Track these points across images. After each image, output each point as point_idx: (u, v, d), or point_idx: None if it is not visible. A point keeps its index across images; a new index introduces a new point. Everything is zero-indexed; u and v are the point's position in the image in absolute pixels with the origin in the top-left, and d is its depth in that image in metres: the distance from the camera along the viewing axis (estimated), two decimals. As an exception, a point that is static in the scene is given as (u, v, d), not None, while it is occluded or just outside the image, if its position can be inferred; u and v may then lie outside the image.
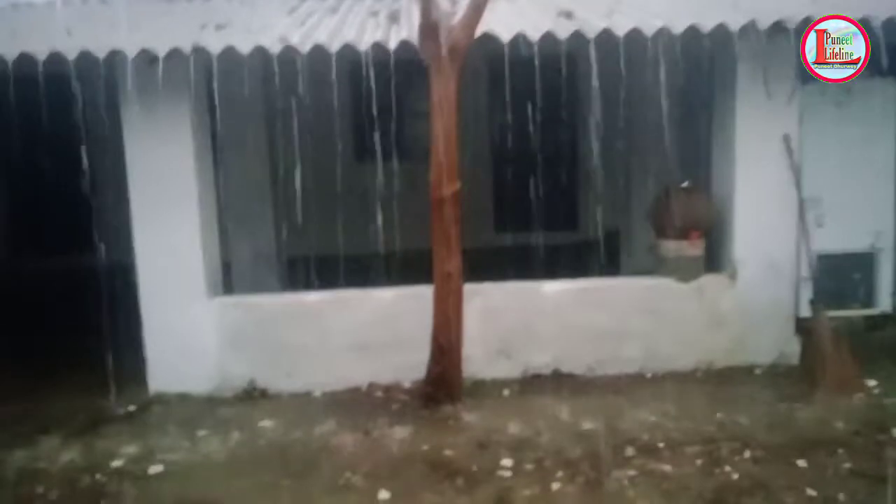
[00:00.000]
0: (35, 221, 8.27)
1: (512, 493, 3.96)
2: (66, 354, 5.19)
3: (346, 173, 7.50)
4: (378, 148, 8.40)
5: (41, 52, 4.80)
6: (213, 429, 4.85)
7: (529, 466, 4.24)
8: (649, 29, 5.03)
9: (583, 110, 8.48)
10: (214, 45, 4.95)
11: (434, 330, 5.02)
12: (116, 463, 4.42)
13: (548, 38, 5.04)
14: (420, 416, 4.93)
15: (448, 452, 4.43)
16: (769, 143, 5.56)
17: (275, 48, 4.95)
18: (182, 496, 4.06)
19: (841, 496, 3.80)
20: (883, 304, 5.95)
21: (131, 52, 4.83)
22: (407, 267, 5.37)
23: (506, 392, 5.33)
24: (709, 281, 5.67)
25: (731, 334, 5.57)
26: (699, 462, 4.21)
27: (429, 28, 4.71)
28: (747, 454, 4.28)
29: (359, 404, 5.20)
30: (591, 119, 7.13)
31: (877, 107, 5.81)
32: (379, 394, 5.35)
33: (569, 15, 5.50)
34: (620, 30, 5.03)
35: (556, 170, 8.14)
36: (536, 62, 5.13)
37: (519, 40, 5.03)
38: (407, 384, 5.37)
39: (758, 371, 5.51)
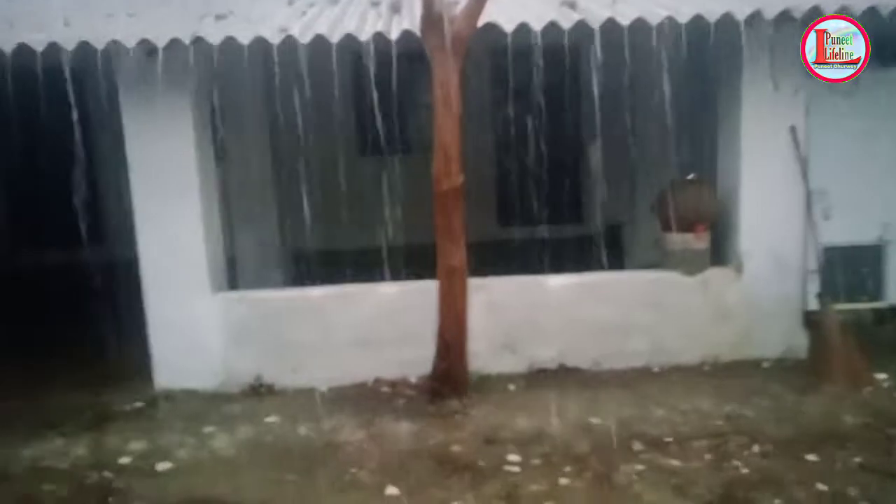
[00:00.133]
0: (37, 216, 8.23)
1: (519, 488, 3.94)
2: (72, 351, 5.19)
3: (349, 166, 7.46)
4: (382, 140, 8.38)
5: (39, 43, 4.75)
6: (220, 425, 4.84)
7: (537, 461, 4.23)
8: (654, 18, 4.99)
9: (587, 102, 8.45)
10: (214, 35, 4.91)
11: (439, 325, 4.99)
12: (124, 460, 4.42)
13: (551, 28, 5.00)
14: (426, 412, 4.92)
15: (455, 448, 4.42)
16: (775, 135, 5.52)
17: (275, 39, 4.91)
18: (190, 492, 4.05)
19: (852, 491, 3.78)
20: (891, 297, 5.93)
21: (130, 42, 4.79)
22: (412, 261, 5.34)
23: (512, 387, 5.32)
24: (715, 274, 5.65)
25: (738, 328, 5.55)
26: (707, 456, 4.20)
27: (431, 18, 4.66)
28: (756, 448, 4.26)
29: (365, 400, 5.18)
30: (595, 111, 7.10)
31: (885, 98, 5.76)
32: (385, 389, 5.34)
33: (572, 5, 5.46)
34: (625, 19, 4.99)
35: (561, 162, 8.09)
36: (540, 52, 5.10)
37: (522, 30, 4.99)
38: (413, 379, 5.35)
39: (765, 364, 5.49)
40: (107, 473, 4.26)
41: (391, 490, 3.97)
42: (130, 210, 5.35)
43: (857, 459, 4.09)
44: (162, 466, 4.33)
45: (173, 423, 4.91)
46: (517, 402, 5.05)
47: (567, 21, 5.03)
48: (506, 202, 8.87)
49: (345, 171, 7.43)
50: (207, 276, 5.42)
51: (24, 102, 5.89)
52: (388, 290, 5.57)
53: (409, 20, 5.12)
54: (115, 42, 4.80)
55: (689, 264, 5.64)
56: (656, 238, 6.01)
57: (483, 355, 5.35)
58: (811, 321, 5.48)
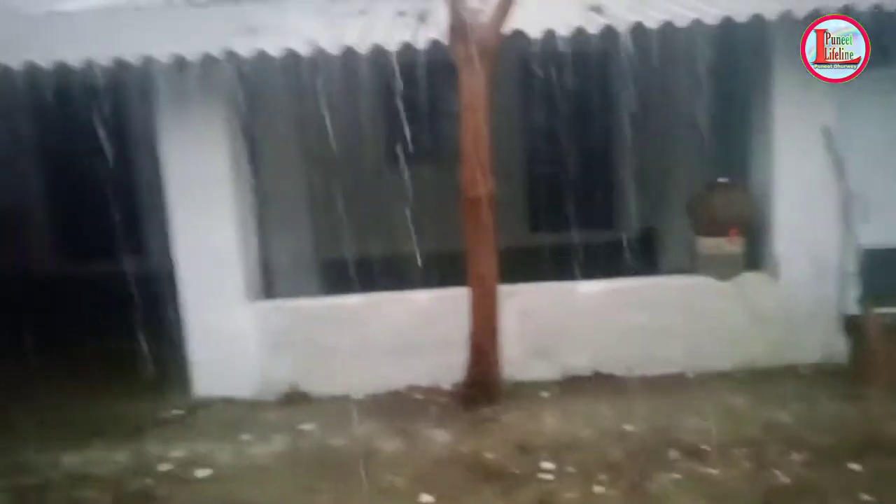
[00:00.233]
0: (77, 227, 8.43)
1: (553, 496, 3.93)
2: (113, 359, 5.30)
3: (380, 174, 7.54)
4: (413, 148, 8.44)
5: (76, 60, 4.87)
6: (257, 432, 4.90)
7: (571, 469, 4.21)
8: (682, 21, 4.96)
9: (617, 106, 8.41)
10: (245, 49, 4.99)
11: (471, 332, 5.01)
12: (164, 467, 4.50)
13: (578, 33, 5.00)
14: (459, 419, 4.93)
15: (488, 455, 4.42)
16: (809, 136, 5.44)
17: (305, 51, 4.98)
18: (228, 499, 4.11)
19: (897, 501, 3.71)
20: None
21: (164, 58, 4.89)
22: (445, 268, 5.35)
23: (545, 394, 5.30)
24: (750, 278, 5.58)
25: (774, 333, 5.47)
26: (746, 465, 4.15)
27: (458, 27, 4.69)
28: (796, 456, 4.20)
29: (399, 407, 5.21)
30: (625, 115, 7.07)
31: (922, 95, 5.66)
32: (418, 396, 5.36)
33: (599, 9, 5.45)
34: (652, 23, 4.97)
35: (592, 167, 8.07)
36: (568, 58, 5.09)
37: (549, 37, 4.99)
38: (446, 386, 5.36)
39: (803, 370, 5.40)
40: (148, 480, 4.34)
41: (425, 498, 3.99)
42: (168, 221, 5.45)
43: (903, 468, 4.00)
44: (201, 473, 4.40)
45: (212, 430, 4.98)
46: (551, 409, 5.04)
47: (594, 26, 5.03)
48: (537, 208, 8.84)
49: (376, 179, 7.51)
50: (244, 285, 5.50)
51: (63, 117, 6.06)
52: (420, 298, 5.60)
53: (436, 29, 5.15)
54: (149, 58, 4.90)
55: (724, 269, 5.58)
56: (689, 242, 5.96)
57: (516, 362, 5.34)
58: (851, 325, 5.38)
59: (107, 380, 5.20)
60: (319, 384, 5.46)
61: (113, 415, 5.13)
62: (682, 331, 5.52)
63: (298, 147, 7.06)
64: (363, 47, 4.99)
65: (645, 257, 7.13)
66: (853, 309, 5.38)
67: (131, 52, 4.91)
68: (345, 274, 6.22)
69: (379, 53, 5.01)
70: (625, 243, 7.15)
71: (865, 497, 3.76)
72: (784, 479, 3.97)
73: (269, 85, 6.03)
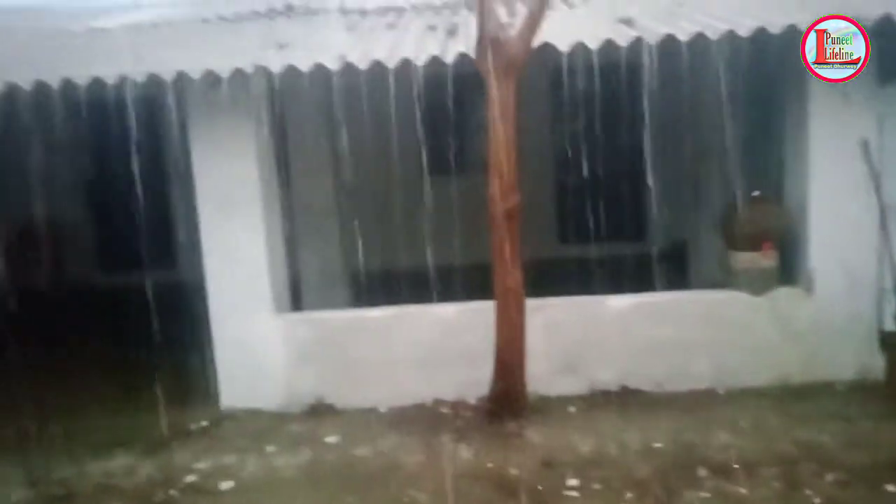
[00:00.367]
0: (108, 239, 8.63)
1: (579, 513, 3.88)
2: (140, 369, 5.38)
3: (409, 187, 7.56)
4: (441, 161, 8.47)
5: (111, 76, 4.97)
6: (282, 445, 4.92)
7: (597, 486, 4.14)
8: (714, 33, 4.90)
9: (648, 118, 8.34)
10: (275, 64, 5.06)
11: (496, 346, 4.98)
12: (190, 478, 4.52)
13: (608, 46, 4.97)
14: (485, 433, 4.89)
15: (513, 471, 4.37)
16: (846, 149, 5.33)
17: (334, 66, 5.03)
18: (252, 512, 4.14)
19: (934, 524, 3.59)
20: (975, 316, 5.61)
21: (196, 73, 4.97)
22: (473, 281, 5.34)
23: (571, 409, 5.24)
24: (783, 293, 5.46)
25: (808, 348, 5.34)
26: (776, 484, 4.04)
27: (486, 41, 4.70)
28: (830, 477, 4.08)
29: (424, 420, 5.19)
30: (656, 127, 7.00)
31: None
32: (444, 410, 5.33)
33: (629, 22, 5.42)
34: (684, 35, 4.92)
35: (622, 179, 8.00)
36: (598, 69, 5.06)
37: (578, 49, 4.97)
38: (471, 400, 5.33)
39: (838, 387, 5.25)
40: (172, 492, 4.37)
41: (449, 513, 3.97)
42: (198, 233, 5.53)
43: (941, 490, 3.87)
44: (225, 485, 4.42)
45: (237, 442, 5.01)
46: (577, 424, 4.98)
47: (623, 39, 5.00)
48: (566, 220, 8.81)
49: (405, 191, 7.54)
50: (271, 297, 5.54)
51: (98, 132, 6.19)
52: (446, 311, 5.58)
53: (466, 43, 5.17)
54: (181, 73, 4.99)
55: (756, 283, 5.48)
56: (722, 256, 5.86)
57: (543, 377, 5.29)
58: (888, 342, 5.23)
59: (134, 390, 5.27)
60: (345, 397, 5.47)
61: (139, 425, 5.17)
62: (714, 346, 5.42)
63: (329, 160, 7.13)
64: (392, 61, 5.02)
65: (675, 271, 7.04)
66: (890, 325, 5.23)
67: (165, 68, 5.00)
68: (373, 286, 6.26)
69: (408, 67, 5.04)
70: (655, 256, 7.09)
71: (901, 520, 3.64)
72: (816, 500, 3.86)
73: (299, 99, 6.10)
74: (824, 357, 5.33)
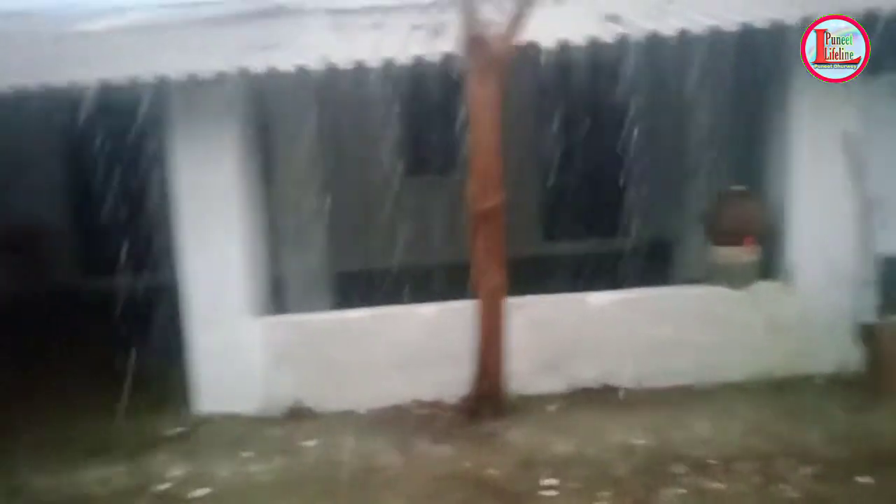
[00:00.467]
0: (87, 242, 8.59)
1: (556, 513, 3.85)
2: (115, 375, 5.33)
3: (393, 187, 7.54)
4: (425, 162, 8.44)
5: (90, 80, 4.90)
6: (259, 450, 4.87)
7: (574, 485, 4.11)
8: (700, 28, 4.88)
9: (632, 114, 8.32)
10: (258, 66, 5.01)
11: (477, 345, 4.95)
12: (162, 486, 4.47)
13: (593, 43, 4.94)
14: (464, 434, 4.85)
15: (491, 471, 4.34)
16: (828, 142, 5.31)
17: (317, 67, 4.99)
18: (225, 518, 4.10)
19: (909, 516, 3.56)
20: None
21: (178, 76, 4.93)
22: (457, 279, 5.31)
23: (551, 407, 5.20)
24: (764, 287, 5.44)
25: (789, 342, 5.30)
26: (754, 479, 4.02)
27: (470, 40, 4.67)
28: (806, 470, 4.06)
29: (403, 422, 5.14)
30: (640, 123, 6.99)
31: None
32: (423, 411, 5.28)
33: (615, 18, 5.38)
34: (669, 31, 4.89)
35: (607, 176, 7.98)
36: (584, 66, 5.03)
37: (563, 47, 4.94)
38: (451, 400, 5.27)
39: (818, 381, 5.22)
40: (144, 502, 4.32)
41: (425, 515, 3.94)
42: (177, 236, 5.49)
43: (919, 482, 3.84)
44: (200, 493, 4.36)
45: (213, 448, 4.95)
46: (556, 423, 4.94)
47: (609, 35, 4.96)
48: (551, 216, 8.79)
49: (389, 191, 7.51)
50: (249, 299, 5.49)
51: (79, 136, 6.14)
52: (427, 311, 5.54)
53: (451, 42, 5.11)
54: (163, 76, 4.94)
55: (738, 278, 5.45)
56: (703, 251, 5.83)
57: (523, 375, 5.25)
58: (867, 334, 5.20)
59: (109, 396, 5.22)
60: (324, 399, 5.42)
61: (114, 433, 5.12)
62: (695, 341, 5.38)
63: (313, 161, 7.08)
64: (375, 61, 4.98)
65: (659, 266, 7.01)
66: (870, 318, 5.20)
67: (146, 72, 4.95)
68: (357, 287, 6.22)
69: (391, 67, 5.00)
70: (639, 252, 7.07)
71: (875, 512, 3.62)
72: (793, 494, 3.84)
73: (283, 100, 6.06)
74: (805, 350, 5.30)
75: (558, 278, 5.74)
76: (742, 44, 5.04)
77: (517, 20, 4.68)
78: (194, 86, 5.01)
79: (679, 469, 4.18)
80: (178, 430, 5.21)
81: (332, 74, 5.03)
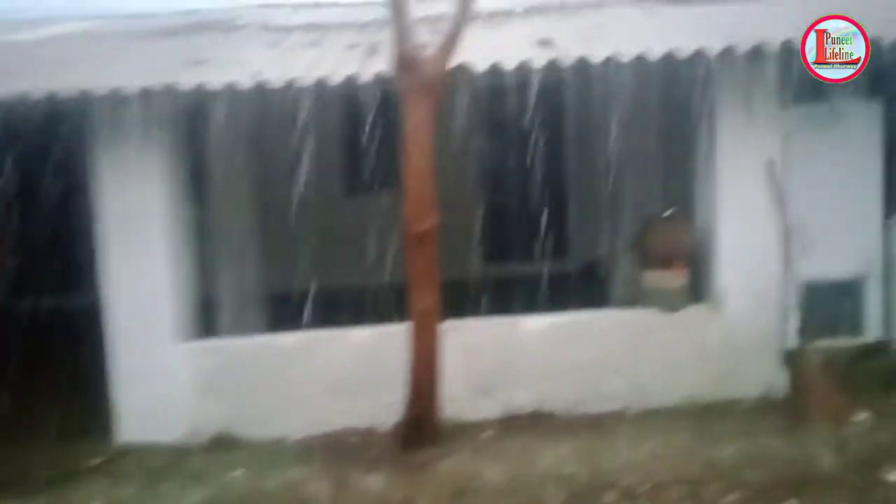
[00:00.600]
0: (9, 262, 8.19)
1: (487, 543, 3.81)
2: (32, 403, 5.06)
3: (329, 207, 7.45)
4: (359, 182, 8.35)
5: (7, 94, 4.72)
6: (183, 481, 4.68)
7: (506, 515, 4.09)
8: (626, 56, 4.96)
9: (568, 138, 8.43)
10: (186, 82, 4.90)
11: (410, 370, 4.88)
12: (78, 523, 4.27)
13: (523, 67, 4.97)
14: (396, 463, 4.77)
15: (421, 502, 4.28)
16: (752, 169, 5.45)
17: (247, 84, 4.89)
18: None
19: (832, 539, 3.64)
20: (873, 333, 5.79)
21: (101, 92, 4.76)
22: (396, 301, 5.24)
23: (485, 434, 5.16)
24: (693, 312, 5.54)
25: (717, 367, 5.40)
26: (684, 505, 4.06)
27: (402, 61, 4.64)
28: (735, 495, 4.11)
29: (334, 450, 5.03)
30: (575, 147, 7.10)
31: (862, 130, 5.71)
32: (355, 438, 5.18)
33: (548, 43, 5.45)
34: (597, 58, 4.96)
35: (542, 199, 8.03)
36: (519, 90, 5.07)
37: (495, 70, 4.96)
38: (385, 427, 5.19)
39: (744, 405, 5.30)
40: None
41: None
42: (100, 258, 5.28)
43: (840, 505, 3.94)
44: (116, 528, 4.19)
45: (133, 480, 4.74)
46: (490, 450, 4.90)
47: (539, 60, 5.01)
48: (487, 239, 8.78)
49: (325, 212, 7.41)
50: (175, 323, 5.33)
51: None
52: (361, 335, 5.46)
53: (385, 62, 5.09)
54: (85, 91, 4.77)
55: (667, 302, 5.54)
56: (634, 275, 5.91)
57: (459, 401, 5.19)
58: (791, 359, 5.33)
59: (25, 425, 4.96)
60: (253, 427, 5.26)
61: (29, 464, 4.87)
62: (626, 365, 5.44)
63: (244, 181, 6.95)
64: (308, 80, 4.92)
65: (595, 289, 7.08)
66: (794, 342, 5.34)
67: (67, 86, 4.78)
68: (291, 309, 6.08)
69: (324, 86, 4.94)
70: (575, 275, 7.14)
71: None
72: (720, 520, 3.89)
73: (215, 118, 5.92)
74: (732, 374, 5.40)
75: (495, 300, 5.73)
76: (668, 72, 5.15)
77: (450, 42, 4.69)
78: (118, 101, 4.86)
79: (610, 497, 4.19)
80: (97, 460, 4.98)
81: (264, 93, 4.94)
